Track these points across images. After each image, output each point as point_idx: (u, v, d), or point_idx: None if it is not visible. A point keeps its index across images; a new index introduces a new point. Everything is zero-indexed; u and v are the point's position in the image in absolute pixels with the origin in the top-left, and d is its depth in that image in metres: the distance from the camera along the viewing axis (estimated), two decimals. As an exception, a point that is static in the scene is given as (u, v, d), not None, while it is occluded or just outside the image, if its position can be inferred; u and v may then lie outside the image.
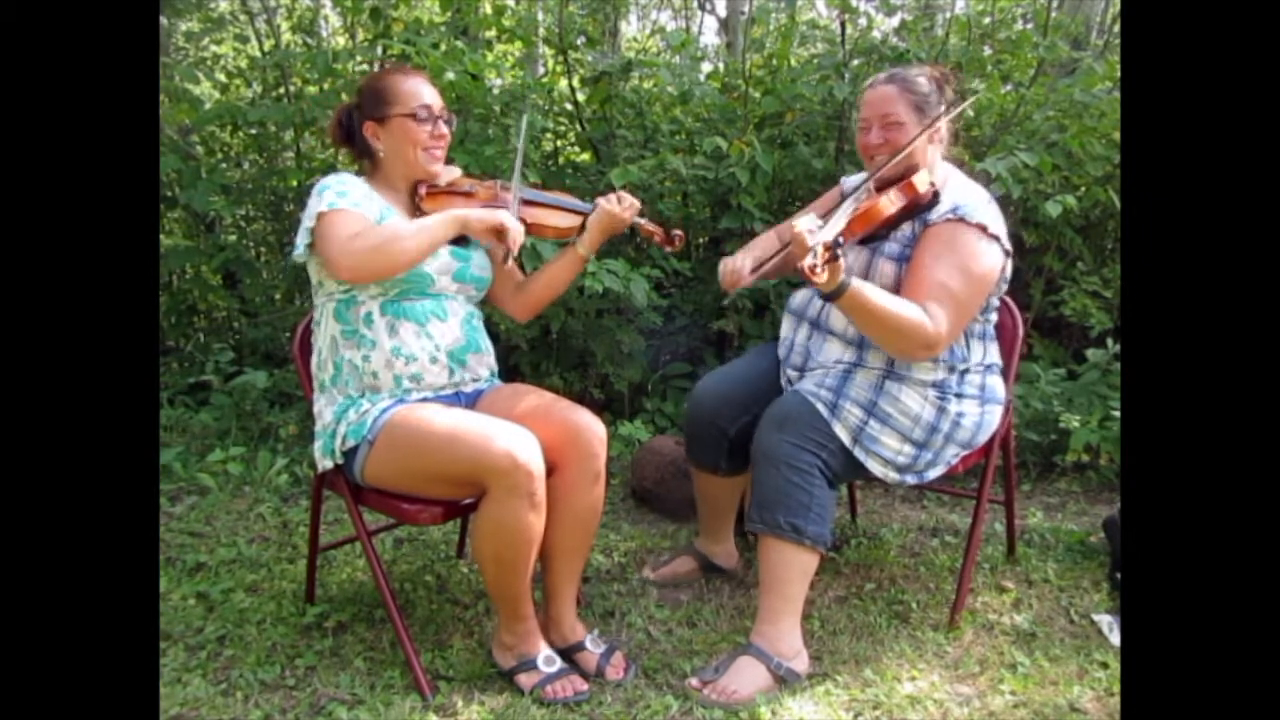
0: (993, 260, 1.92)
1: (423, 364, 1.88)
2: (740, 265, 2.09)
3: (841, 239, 1.68)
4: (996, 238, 1.92)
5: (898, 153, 1.91)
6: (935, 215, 1.92)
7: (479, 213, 1.85)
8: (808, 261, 1.64)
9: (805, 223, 1.76)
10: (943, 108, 1.99)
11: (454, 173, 2.05)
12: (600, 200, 2.02)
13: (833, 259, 1.65)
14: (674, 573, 2.34)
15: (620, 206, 2.00)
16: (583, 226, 2.05)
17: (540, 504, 1.74)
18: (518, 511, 1.71)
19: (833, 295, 1.75)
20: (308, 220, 1.83)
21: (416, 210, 1.95)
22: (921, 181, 1.90)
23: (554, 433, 1.84)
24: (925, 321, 1.81)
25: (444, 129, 1.95)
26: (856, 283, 1.76)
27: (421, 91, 1.92)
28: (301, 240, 1.84)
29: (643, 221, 2.04)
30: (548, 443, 1.80)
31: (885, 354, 1.95)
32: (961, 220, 1.89)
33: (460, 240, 1.97)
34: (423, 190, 1.96)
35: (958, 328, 1.88)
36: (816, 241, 1.66)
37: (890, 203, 1.88)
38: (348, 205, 1.82)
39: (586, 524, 1.90)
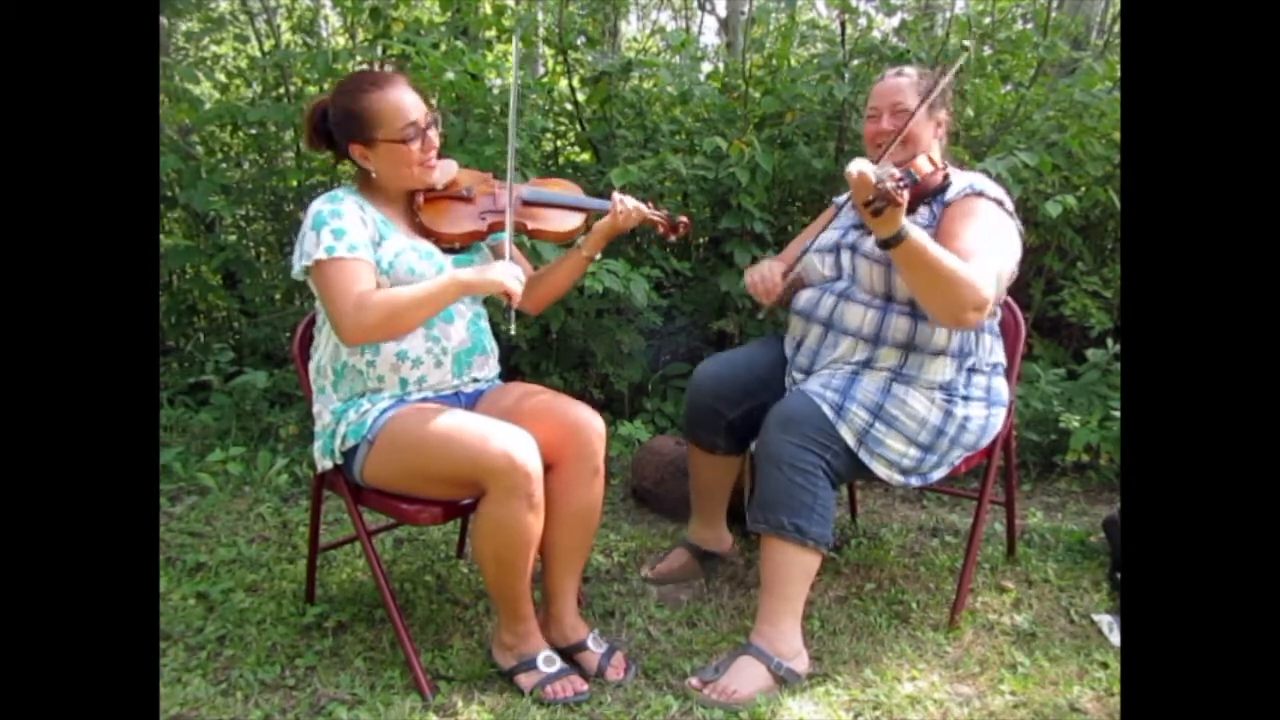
0: (1014, 234, 1.96)
1: (428, 367, 1.87)
2: (770, 272, 2.08)
3: (912, 169, 1.65)
4: (1012, 215, 1.97)
5: (901, 130, 1.93)
6: (953, 193, 1.93)
7: (481, 277, 1.78)
8: (889, 185, 1.57)
9: (861, 163, 1.71)
10: (946, 97, 2.04)
11: (450, 169, 1.99)
12: (614, 202, 1.99)
13: (910, 183, 1.62)
14: (669, 568, 2.34)
15: (628, 216, 1.98)
16: (588, 225, 2.02)
17: (538, 504, 1.74)
18: (516, 512, 1.71)
19: (891, 241, 1.71)
20: (304, 258, 1.78)
21: (414, 218, 1.92)
22: (937, 159, 1.90)
23: (552, 429, 1.84)
24: (977, 279, 1.78)
25: (434, 139, 1.87)
26: (914, 229, 1.72)
27: (403, 107, 1.81)
28: (299, 263, 1.81)
29: (648, 212, 2.01)
30: (546, 439, 1.80)
31: (898, 353, 1.95)
32: (981, 195, 1.93)
33: (462, 248, 1.96)
34: (420, 199, 1.92)
35: (999, 295, 1.88)
36: (884, 173, 1.61)
37: (924, 163, 1.82)
38: (344, 251, 1.76)
39: (586, 520, 1.89)
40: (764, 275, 2.09)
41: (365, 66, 3.55)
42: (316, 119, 1.89)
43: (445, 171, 1.97)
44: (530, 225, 1.99)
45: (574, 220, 2.02)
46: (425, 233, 1.92)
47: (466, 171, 2.04)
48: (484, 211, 1.97)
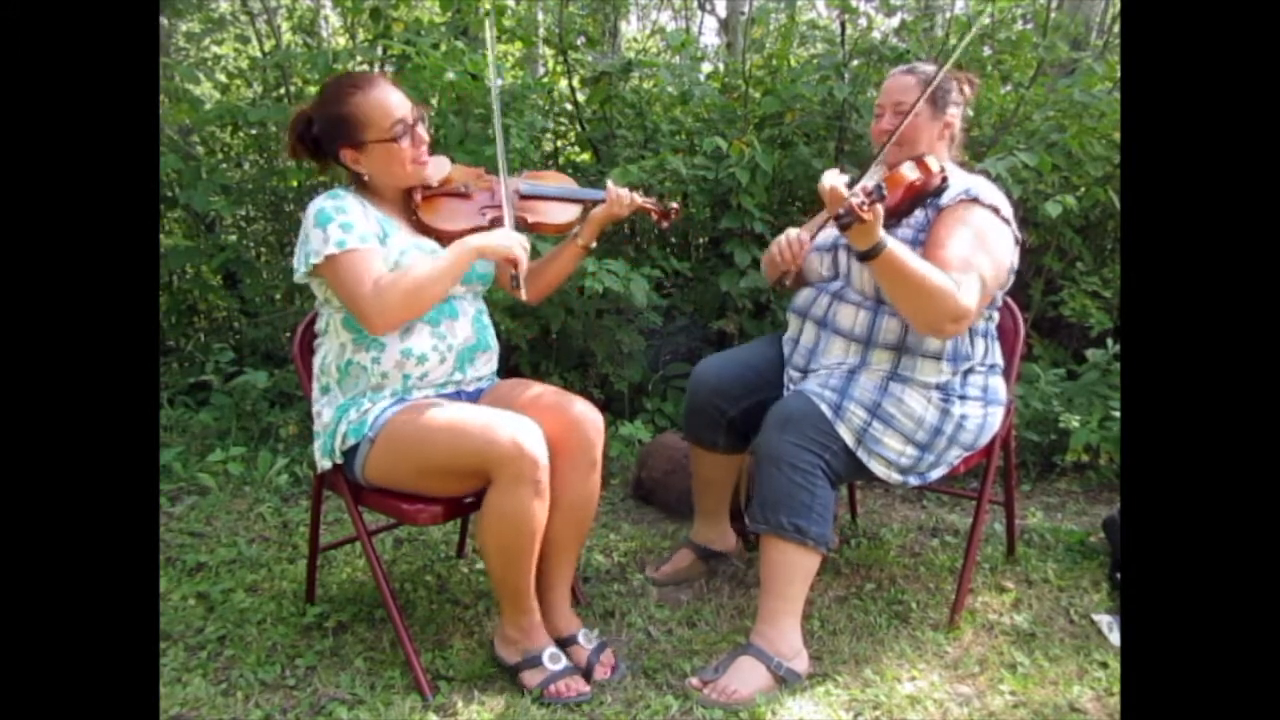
0: (1008, 242, 1.95)
1: (432, 363, 1.88)
2: (799, 235, 2.03)
3: (883, 185, 1.67)
4: (1008, 221, 1.95)
5: (899, 125, 1.94)
6: (948, 198, 1.93)
7: (493, 243, 1.83)
8: (856, 199, 1.61)
9: (833, 176, 1.76)
10: (958, 108, 2.04)
11: (443, 166, 1.99)
12: (609, 191, 2.04)
13: (878, 198, 1.64)
14: (675, 569, 2.34)
15: (621, 204, 2.03)
16: (583, 216, 2.05)
17: (545, 491, 1.75)
18: (523, 500, 1.72)
19: (869, 254, 1.74)
20: (312, 256, 1.76)
21: (414, 216, 1.92)
22: (934, 162, 1.91)
23: (551, 422, 1.84)
24: (955, 290, 1.78)
25: (423, 134, 1.86)
26: (892, 242, 1.75)
27: (388, 106, 1.80)
28: (301, 266, 1.80)
29: (640, 200, 2.06)
30: (546, 433, 1.80)
31: (890, 355, 1.95)
32: (976, 200, 1.92)
33: None
34: (418, 198, 1.92)
35: (981, 305, 1.86)
36: (857, 188, 1.66)
37: (910, 171, 1.87)
38: (356, 243, 1.76)
39: (582, 513, 1.90)
40: (790, 240, 2.02)
41: (365, 67, 3.55)
42: (300, 128, 1.87)
43: (438, 168, 1.97)
44: (529, 219, 2.00)
45: (571, 212, 2.05)
46: (426, 230, 1.92)
47: (460, 168, 2.04)
48: (483, 207, 1.97)
